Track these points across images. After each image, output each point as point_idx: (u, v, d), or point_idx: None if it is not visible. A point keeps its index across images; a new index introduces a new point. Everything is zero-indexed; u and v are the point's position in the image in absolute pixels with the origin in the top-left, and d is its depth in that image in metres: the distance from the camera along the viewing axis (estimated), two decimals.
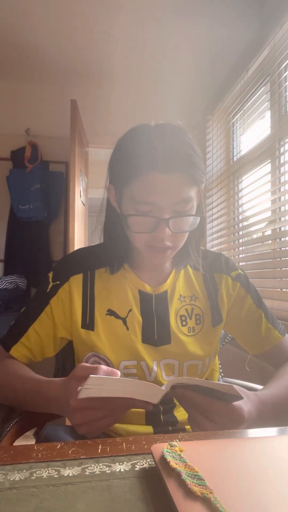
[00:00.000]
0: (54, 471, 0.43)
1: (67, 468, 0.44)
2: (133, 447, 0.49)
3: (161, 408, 0.78)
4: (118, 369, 0.72)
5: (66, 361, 0.93)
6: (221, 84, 2.45)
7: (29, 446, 0.49)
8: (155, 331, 0.79)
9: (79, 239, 2.42)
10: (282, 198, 1.68)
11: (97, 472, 0.43)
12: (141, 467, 0.44)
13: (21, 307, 0.83)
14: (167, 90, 2.76)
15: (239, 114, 2.22)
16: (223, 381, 1.02)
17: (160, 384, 0.74)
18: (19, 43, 2.29)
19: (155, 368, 0.78)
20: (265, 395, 0.67)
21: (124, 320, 0.78)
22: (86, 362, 0.78)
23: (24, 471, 0.43)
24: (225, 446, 0.46)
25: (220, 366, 1.01)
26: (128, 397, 0.54)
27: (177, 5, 1.94)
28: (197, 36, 2.19)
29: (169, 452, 0.42)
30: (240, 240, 2.14)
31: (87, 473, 0.42)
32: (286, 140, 1.67)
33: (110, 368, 0.59)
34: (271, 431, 0.54)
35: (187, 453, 0.42)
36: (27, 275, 2.60)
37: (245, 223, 2.06)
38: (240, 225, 2.15)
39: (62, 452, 0.47)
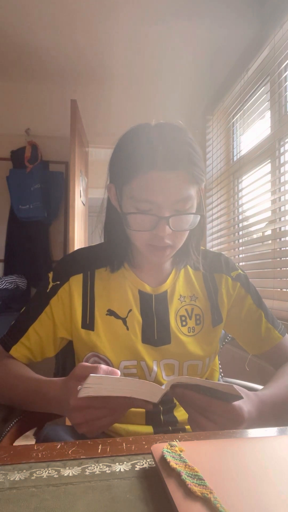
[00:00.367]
0: (54, 471, 0.43)
1: (67, 468, 0.44)
2: (133, 447, 0.49)
3: (161, 408, 0.78)
4: (118, 369, 0.72)
5: (66, 361, 0.93)
6: (221, 84, 2.45)
7: (29, 446, 0.49)
8: (155, 331, 0.79)
9: (79, 239, 2.42)
10: (282, 198, 1.68)
11: (97, 472, 0.43)
12: (141, 467, 0.44)
13: (21, 307, 0.83)
14: (167, 90, 2.76)
15: (239, 114, 2.22)
16: (223, 381, 1.02)
17: (160, 384, 0.74)
18: (19, 43, 2.29)
19: (155, 368, 0.78)
20: (265, 395, 0.67)
21: (124, 320, 0.78)
22: (86, 362, 0.78)
23: (24, 471, 0.43)
24: (225, 446, 0.46)
25: (220, 366, 1.00)
26: (128, 396, 0.54)
27: (177, 5, 1.94)
28: (197, 36, 2.19)
29: (169, 452, 0.42)
30: (240, 240, 2.14)
31: (87, 473, 0.42)
32: (286, 140, 1.67)
33: (110, 368, 0.59)
34: (271, 431, 0.54)
35: (187, 453, 0.42)
36: (27, 275, 2.59)
37: (245, 223, 2.06)
38: (240, 225, 2.15)
39: (62, 452, 0.47)
